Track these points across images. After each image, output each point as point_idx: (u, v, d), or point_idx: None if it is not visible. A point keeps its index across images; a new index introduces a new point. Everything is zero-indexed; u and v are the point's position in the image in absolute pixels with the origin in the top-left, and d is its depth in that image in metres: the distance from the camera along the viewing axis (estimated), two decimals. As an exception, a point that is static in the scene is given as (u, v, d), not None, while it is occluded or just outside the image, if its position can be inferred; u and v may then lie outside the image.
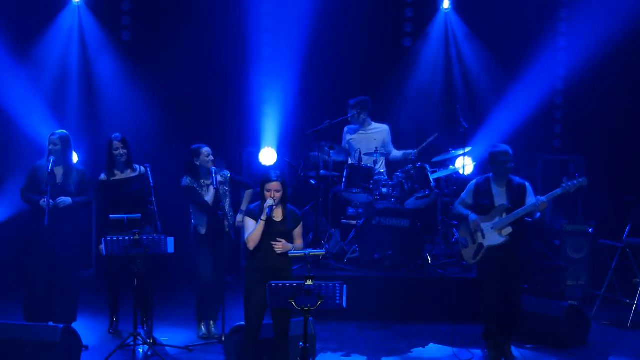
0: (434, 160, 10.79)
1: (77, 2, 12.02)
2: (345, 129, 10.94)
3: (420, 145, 10.63)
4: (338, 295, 6.73)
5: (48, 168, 8.72)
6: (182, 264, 9.36)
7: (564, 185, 8.13)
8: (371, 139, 10.73)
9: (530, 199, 8.18)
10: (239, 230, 9.21)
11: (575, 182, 8.11)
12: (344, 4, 12.03)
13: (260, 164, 11.90)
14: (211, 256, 8.97)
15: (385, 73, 12.33)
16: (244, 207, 9.05)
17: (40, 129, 10.53)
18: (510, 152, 8.22)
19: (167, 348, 8.59)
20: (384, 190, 10.36)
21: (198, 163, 8.94)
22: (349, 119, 10.70)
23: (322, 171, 10.71)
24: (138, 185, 9.02)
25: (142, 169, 9.07)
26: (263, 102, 12.13)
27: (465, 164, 10.84)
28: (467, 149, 10.68)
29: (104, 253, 8.27)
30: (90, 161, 11.51)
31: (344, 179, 10.40)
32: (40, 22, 11.84)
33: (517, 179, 8.29)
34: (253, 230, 7.26)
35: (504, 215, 8.18)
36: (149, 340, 8.51)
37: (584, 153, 12.16)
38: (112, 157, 9.05)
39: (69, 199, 8.71)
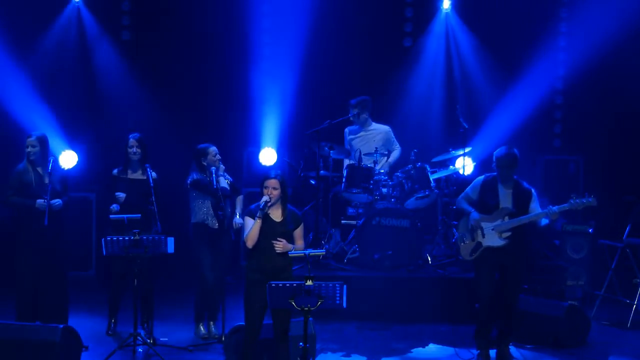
0: (434, 160, 10.79)
1: (77, 2, 12.03)
2: (346, 129, 10.93)
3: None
4: (338, 295, 6.73)
5: (48, 169, 8.70)
6: (182, 264, 9.36)
7: (571, 201, 8.08)
8: (371, 139, 10.73)
9: (535, 205, 8.15)
10: (238, 230, 9.20)
11: (583, 200, 8.05)
12: (344, 4, 12.04)
13: (260, 164, 11.90)
14: (212, 256, 8.96)
15: (385, 73, 12.33)
16: (238, 210, 9.06)
17: (40, 129, 10.51)
18: (515, 154, 8.18)
19: (167, 348, 8.59)
20: (384, 190, 10.36)
21: (205, 163, 8.95)
22: (350, 118, 10.70)
23: (322, 171, 10.71)
24: (146, 188, 8.99)
25: (154, 174, 9.05)
26: (263, 102, 12.13)
27: (465, 164, 10.84)
28: (467, 149, 10.68)
29: (104, 253, 8.27)
30: (91, 160, 11.55)
31: (344, 179, 10.40)
32: (40, 22, 11.85)
33: (524, 184, 8.26)
34: (250, 229, 7.27)
35: (507, 218, 8.16)
36: (149, 341, 8.51)
37: (584, 153, 12.15)
38: (126, 154, 9.07)
39: (59, 201, 8.70)
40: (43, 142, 8.80)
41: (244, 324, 7.44)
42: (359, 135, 10.80)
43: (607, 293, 10.31)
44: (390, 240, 10.11)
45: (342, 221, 10.90)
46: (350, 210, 10.85)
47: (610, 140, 12.16)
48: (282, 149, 12.02)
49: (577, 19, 12.00)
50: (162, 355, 8.27)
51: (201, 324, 9.09)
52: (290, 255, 7.19)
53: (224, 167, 8.99)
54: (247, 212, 7.42)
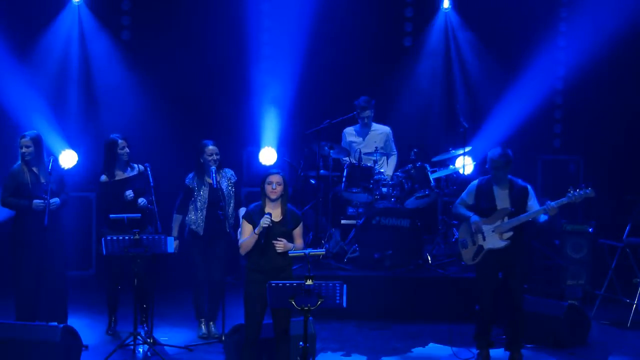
0: (434, 160, 10.79)
1: (77, 2, 12.03)
2: (346, 129, 10.92)
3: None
4: (338, 295, 6.73)
5: (48, 168, 8.70)
6: (182, 263, 9.36)
7: (569, 194, 8.07)
8: (372, 139, 10.72)
9: (533, 202, 8.14)
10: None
11: (581, 192, 8.04)
12: (344, 4, 12.03)
13: (260, 163, 11.90)
14: (206, 255, 8.97)
15: (385, 73, 12.34)
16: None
17: (40, 129, 10.51)
18: (509, 155, 8.16)
19: (167, 348, 8.59)
20: (384, 189, 10.35)
21: (202, 160, 8.95)
22: (356, 116, 10.64)
23: (322, 171, 10.70)
24: (140, 183, 9.00)
25: (141, 167, 9.06)
26: (263, 102, 12.13)
27: (465, 164, 10.84)
28: (467, 149, 10.68)
29: (104, 252, 8.27)
30: (90, 161, 11.54)
31: (344, 179, 10.40)
32: (40, 22, 11.85)
33: (519, 182, 8.25)
34: (247, 239, 7.26)
35: (506, 219, 8.14)
36: (149, 340, 8.50)
37: (584, 153, 12.16)
38: (114, 156, 9.00)
39: (57, 199, 8.69)
40: (37, 141, 8.74)
41: (244, 323, 7.43)
42: (360, 135, 10.79)
43: (607, 293, 10.31)
44: (390, 240, 10.11)
45: (342, 221, 10.89)
46: (350, 210, 10.85)
47: (610, 140, 12.16)
48: (282, 149, 12.02)
49: (577, 18, 12.00)
50: (162, 355, 8.28)
51: (201, 323, 9.09)
52: (290, 255, 7.19)
53: (214, 168, 8.93)
54: (245, 214, 7.40)
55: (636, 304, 9.78)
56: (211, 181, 8.88)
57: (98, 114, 12.06)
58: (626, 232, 10.32)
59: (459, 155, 10.73)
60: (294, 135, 11.96)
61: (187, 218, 9.02)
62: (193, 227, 8.97)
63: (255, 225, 7.27)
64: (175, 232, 8.95)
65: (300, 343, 6.85)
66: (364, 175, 10.32)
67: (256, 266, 7.27)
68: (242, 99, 12.18)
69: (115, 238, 8.19)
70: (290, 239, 7.33)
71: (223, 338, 8.54)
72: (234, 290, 9.68)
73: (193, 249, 8.99)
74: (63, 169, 9.86)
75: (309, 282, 6.63)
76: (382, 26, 12.31)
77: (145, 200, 8.86)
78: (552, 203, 8.04)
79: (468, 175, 10.95)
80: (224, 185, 8.95)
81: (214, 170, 8.85)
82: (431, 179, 10.37)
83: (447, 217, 10.85)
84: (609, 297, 10.32)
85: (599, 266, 10.65)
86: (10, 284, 8.90)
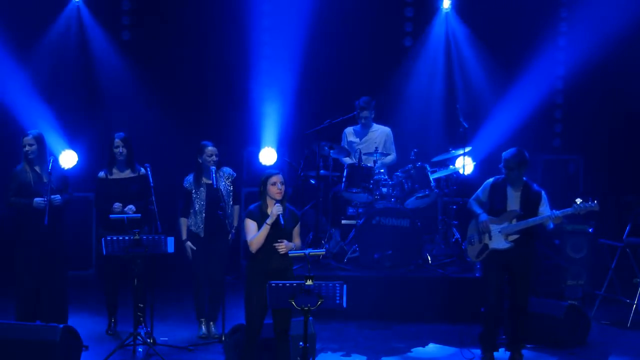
0: (434, 160, 10.79)
1: (77, 2, 12.03)
2: (346, 129, 10.92)
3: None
4: (338, 295, 6.73)
5: (48, 168, 8.70)
6: (182, 264, 9.36)
7: (575, 205, 8.05)
8: (371, 139, 10.72)
9: (544, 208, 8.11)
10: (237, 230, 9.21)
11: (587, 205, 8.02)
12: (344, 4, 12.03)
13: (260, 164, 11.90)
14: (206, 255, 8.97)
15: (385, 73, 12.33)
16: (235, 223, 9.04)
17: (40, 129, 10.52)
18: (524, 156, 8.13)
19: (167, 348, 8.58)
20: (384, 190, 10.36)
21: (201, 161, 8.95)
22: (356, 115, 10.65)
23: (322, 171, 10.70)
24: (136, 186, 9.02)
25: (143, 170, 9.06)
26: (263, 102, 12.13)
27: (465, 164, 10.84)
28: (467, 149, 10.68)
29: (104, 253, 8.27)
30: (91, 160, 11.55)
31: (344, 179, 10.40)
32: (40, 21, 11.85)
33: (535, 186, 8.21)
34: (257, 234, 7.22)
35: (514, 221, 8.13)
36: (149, 340, 8.50)
37: (584, 153, 12.15)
38: (112, 155, 9.05)
39: (59, 197, 8.69)
40: (40, 140, 8.76)
41: (244, 323, 7.43)
42: (360, 135, 10.79)
43: (607, 293, 10.31)
44: (390, 240, 10.11)
45: (342, 221, 10.89)
46: (350, 210, 10.84)
47: (610, 140, 12.16)
48: (282, 149, 12.02)
49: (577, 19, 12.00)
50: (162, 355, 8.27)
51: (201, 323, 9.09)
52: (290, 255, 7.19)
53: (214, 168, 8.93)
54: (247, 213, 7.38)
55: (636, 304, 9.78)
56: (210, 181, 8.88)
57: (98, 114, 12.06)
58: (626, 232, 10.31)
59: (459, 155, 10.72)
60: (294, 135, 11.96)
61: (188, 220, 9.02)
62: (193, 228, 8.98)
63: (258, 221, 7.25)
64: (184, 235, 8.97)
65: (300, 343, 6.86)
66: (364, 175, 10.32)
67: (258, 267, 7.27)
68: (242, 99, 12.18)
69: (115, 238, 8.19)
70: (290, 239, 7.34)
71: (223, 338, 8.54)
72: (234, 290, 9.69)
73: (195, 249, 8.98)
74: (63, 169, 9.85)
75: (309, 282, 6.63)
76: (382, 26, 12.31)
77: (133, 207, 8.84)
78: (558, 212, 8.02)
79: (468, 175, 10.96)
80: (221, 185, 8.95)
81: (213, 170, 8.86)
82: (431, 179, 10.37)
83: (447, 217, 10.85)
84: (609, 297, 10.32)
85: (599, 266, 10.65)
86: (10, 284, 8.90)
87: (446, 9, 12.43)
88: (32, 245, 8.64)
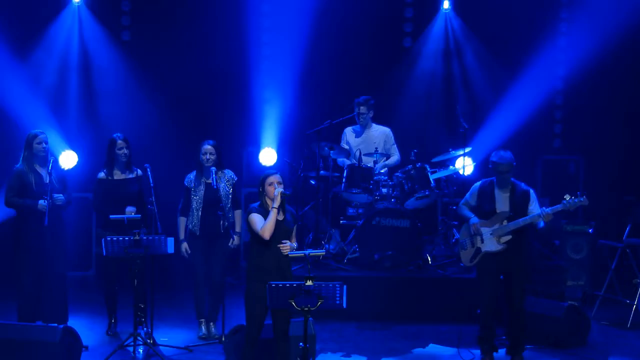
0: (434, 160, 10.78)
1: (77, 2, 12.03)
2: (346, 129, 10.92)
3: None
4: (338, 295, 6.73)
5: (49, 168, 8.71)
6: (182, 264, 9.37)
7: (564, 202, 8.03)
8: (370, 140, 10.72)
9: (534, 207, 8.10)
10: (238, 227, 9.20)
11: (576, 200, 8.00)
12: (344, 4, 12.04)
13: (260, 164, 11.90)
14: (206, 255, 8.97)
15: (385, 73, 12.34)
16: (237, 228, 9.03)
17: (40, 129, 10.53)
18: (512, 160, 8.10)
19: (167, 348, 8.59)
20: (384, 190, 10.36)
21: (200, 160, 8.96)
22: (355, 116, 10.66)
23: (322, 171, 10.70)
24: (136, 187, 9.03)
25: (139, 171, 9.06)
26: (263, 102, 12.14)
27: (465, 164, 10.84)
28: (467, 149, 10.67)
29: (104, 253, 8.27)
30: (90, 161, 11.54)
31: (344, 179, 10.40)
32: (41, 22, 11.85)
33: (522, 186, 8.21)
34: (267, 220, 7.16)
35: (505, 222, 8.12)
36: (148, 341, 8.50)
37: (584, 153, 12.16)
38: (114, 156, 9.04)
39: (61, 195, 8.70)
40: (48, 140, 8.84)
41: (244, 324, 7.43)
42: (360, 135, 10.79)
43: (607, 293, 10.31)
44: (390, 241, 10.11)
45: (342, 221, 10.89)
46: (350, 211, 10.84)
47: (610, 140, 12.15)
48: (282, 149, 12.02)
49: (577, 19, 12.00)
50: (162, 356, 8.28)
51: (202, 321, 9.09)
52: (290, 255, 7.19)
53: (214, 168, 8.93)
54: (249, 210, 7.36)
55: (636, 305, 9.78)
56: (210, 181, 8.89)
57: (98, 115, 12.07)
58: (626, 232, 10.32)
59: (459, 155, 10.72)
60: (294, 135, 11.96)
61: (187, 219, 9.03)
62: (190, 226, 8.99)
63: (262, 214, 7.23)
64: (182, 235, 8.96)
65: (300, 344, 6.86)
66: (364, 175, 10.32)
67: (258, 266, 7.27)
68: (242, 99, 12.18)
69: (115, 239, 8.19)
70: (291, 239, 7.34)
71: (223, 338, 8.54)
72: (234, 291, 9.69)
73: (193, 249, 9.00)
74: (63, 169, 9.85)
75: (309, 282, 6.63)
76: (382, 26, 12.31)
77: (134, 209, 8.84)
78: (548, 210, 8.01)
79: (468, 175, 10.95)
80: (221, 185, 8.96)
81: (213, 170, 8.87)
82: (431, 179, 10.37)
83: (447, 217, 10.85)
84: (609, 297, 10.32)
85: (599, 267, 10.66)
86: (11, 285, 8.90)
87: (446, 9, 12.43)
88: (32, 246, 8.64)
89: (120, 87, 12.10)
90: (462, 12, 12.40)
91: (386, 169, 10.60)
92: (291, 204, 7.59)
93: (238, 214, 9.07)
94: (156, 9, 12.18)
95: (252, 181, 11.44)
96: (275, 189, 7.19)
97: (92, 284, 11.20)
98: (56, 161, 9.08)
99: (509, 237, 8.12)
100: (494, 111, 12.05)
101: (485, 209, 8.21)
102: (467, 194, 8.43)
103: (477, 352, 8.47)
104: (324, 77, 12.08)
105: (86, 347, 8.29)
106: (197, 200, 8.97)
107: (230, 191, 9.03)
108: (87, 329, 8.93)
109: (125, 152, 9.04)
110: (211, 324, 9.10)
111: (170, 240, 8.36)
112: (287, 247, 7.19)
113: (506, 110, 11.95)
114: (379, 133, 10.78)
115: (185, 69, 12.06)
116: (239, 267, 11.35)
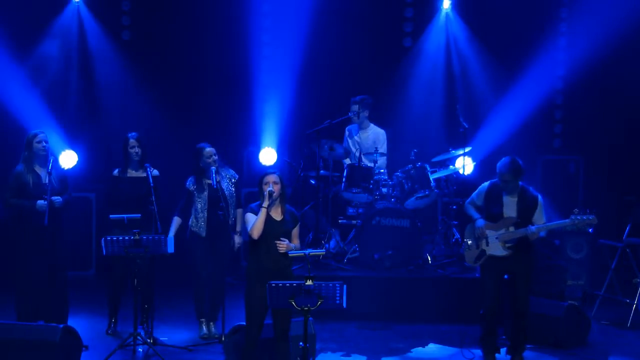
0: (434, 160, 10.78)
1: (77, 2, 12.03)
2: (347, 129, 10.93)
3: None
4: (338, 295, 6.73)
5: (49, 168, 8.71)
6: (182, 264, 9.37)
7: (572, 217, 7.95)
8: (364, 140, 10.72)
9: (537, 215, 8.00)
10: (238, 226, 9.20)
11: (585, 217, 7.92)
12: (344, 4, 12.04)
13: (260, 164, 11.90)
14: (208, 255, 8.97)
15: (385, 73, 12.34)
16: (238, 227, 9.03)
17: (40, 129, 10.53)
18: (519, 165, 8.02)
19: (167, 348, 8.58)
20: (384, 190, 10.36)
21: (202, 164, 8.95)
22: (350, 115, 10.67)
23: (322, 171, 10.70)
24: (147, 187, 9.00)
25: (155, 171, 9.08)
26: (263, 102, 12.14)
27: (465, 164, 10.84)
28: (467, 149, 10.68)
29: (104, 253, 8.27)
30: (90, 161, 11.55)
31: (344, 179, 10.40)
32: (41, 21, 11.85)
33: (531, 191, 8.12)
34: (256, 219, 7.21)
35: (512, 228, 8.05)
36: (149, 340, 8.50)
37: (584, 153, 12.16)
38: (127, 155, 9.08)
39: (60, 198, 8.70)
40: (48, 140, 8.85)
41: (244, 324, 7.43)
42: (358, 134, 10.80)
43: (607, 293, 10.31)
44: (390, 240, 10.11)
45: (342, 221, 10.89)
46: (351, 210, 10.84)
47: (610, 140, 12.16)
48: (282, 149, 12.03)
49: (577, 19, 12.01)
50: (162, 355, 8.27)
51: (202, 321, 9.09)
52: (290, 255, 7.19)
53: (214, 168, 8.92)
54: (247, 209, 7.39)
55: (636, 304, 9.78)
56: (210, 182, 8.89)
57: (98, 114, 12.08)
58: (626, 232, 10.31)
59: (459, 155, 10.72)
60: (294, 135, 11.96)
61: (190, 220, 9.02)
62: (194, 229, 8.98)
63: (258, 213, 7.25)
64: (172, 233, 8.94)
65: (300, 343, 6.86)
66: (363, 175, 10.32)
67: (258, 266, 7.27)
68: (242, 99, 12.18)
69: (115, 238, 8.19)
70: (290, 239, 7.34)
71: (223, 338, 8.54)
72: (234, 290, 9.69)
73: (195, 249, 8.99)
74: (63, 169, 9.85)
75: (309, 282, 6.63)
76: (382, 26, 12.32)
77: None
78: (533, 228, 7.89)
79: (468, 175, 10.95)
80: (224, 185, 8.96)
81: (213, 170, 8.86)
82: (431, 179, 10.37)
83: (447, 217, 10.85)
84: (609, 297, 10.32)
85: (599, 266, 10.65)
86: (10, 284, 8.90)
87: (446, 9, 12.44)
88: (32, 246, 8.64)
89: (120, 87, 12.11)
90: (462, 12, 12.41)
91: (385, 168, 10.59)
92: (291, 203, 7.58)
93: (239, 213, 9.07)
94: (156, 8, 12.18)
95: (252, 181, 11.41)
96: (269, 189, 7.20)
97: (92, 284, 11.20)
98: (56, 161, 9.08)
99: (512, 243, 8.07)
100: (494, 111, 12.06)
101: (492, 211, 8.13)
102: (474, 193, 8.36)
103: (478, 351, 8.47)
104: (324, 76, 12.08)
105: (86, 347, 8.29)
106: (201, 202, 8.96)
107: (234, 189, 9.04)
108: (87, 329, 8.93)
109: (137, 150, 9.08)
110: (211, 323, 9.10)
111: (170, 240, 8.36)
112: (284, 245, 7.19)
113: (506, 110, 11.95)
114: (371, 134, 10.77)
115: (185, 69, 12.07)
116: (239, 267, 11.35)
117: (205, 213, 8.94)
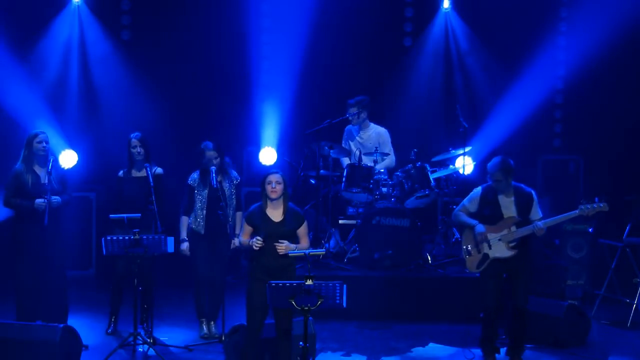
0: (434, 159, 10.79)
1: (77, 2, 12.04)
2: (346, 128, 10.94)
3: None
4: (338, 295, 6.73)
5: (48, 168, 8.72)
6: (183, 263, 9.37)
7: (581, 207, 7.97)
8: (365, 139, 10.72)
9: (533, 211, 8.00)
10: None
11: (595, 205, 7.93)
12: (344, 4, 12.04)
13: (260, 163, 11.91)
14: (207, 255, 8.97)
15: (385, 73, 12.34)
16: (237, 230, 9.02)
17: (40, 129, 10.53)
18: (508, 165, 7.99)
19: (167, 348, 8.59)
20: (384, 189, 10.36)
21: (204, 162, 8.97)
22: (349, 118, 10.68)
23: (322, 171, 10.70)
24: (147, 186, 9.01)
25: (159, 170, 9.10)
26: (263, 102, 12.14)
27: (465, 164, 10.84)
28: (467, 149, 10.68)
29: (104, 252, 8.28)
30: (90, 161, 11.55)
31: (344, 179, 10.40)
32: (41, 21, 11.86)
33: (524, 188, 8.11)
34: (246, 242, 7.41)
35: (514, 228, 8.03)
36: (149, 340, 8.50)
37: (584, 153, 12.15)
38: (130, 155, 9.11)
39: (58, 198, 8.70)
40: (48, 140, 8.85)
41: (244, 323, 7.44)
42: (358, 135, 10.80)
43: (607, 293, 10.31)
44: (390, 240, 10.11)
45: (342, 221, 10.89)
46: (351, 210, 10.85)
47: (610, 140, 12.15)
48: (282, 149, 12.03)
49: (577, 18, 12.01)
50: (162, 355, 8.27)
51: (202, 320, 9.09)
52: (290, 255, 7.19)
53: (214, 168, 8.93)
54: (246, 215, 7.44)
55: (636, 304, 9.78)
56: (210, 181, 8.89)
57: (98, 114, 12.09)
58: (626, 232, 10.31)
59: (459, 155, 10.73)
60: (294, 135, 11.96)
61: (190, 218, 9.02)
62: (194, 226, 8.99)
63: (255, 227, 7.34)
64: (184, 234, 8.96)
65: (300, 343, 6.86)
66: (363, 175, 10.32)
67: (259, 266, 7.28)
68: (242, 99, 12.19)
69: (115, 238, 8.20)
70: (294, 239, 7.34)
71: (223, 338, 8.54)
72: (234, 290, 9.69)
73: (194, 248, 9.00)
74: (63, 169, 9.86)
75: (309, 282, 6.63)
76: (382, 26, 12.32)
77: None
78: (540, 223, 7.91)
79: (468, 175, 10.95)
80: (226, 186, 8.97)
81: (213, 170, 8.87)
82: (431, 178, 10.37)
83: (447, 217, 10.84)
84: (609, 297, 10.32)
85: (599, 266, 10.65)
86: (10, 284, 8.90)
87: (446, 8, 12.44)
88: (32, 246, 8.64)
89: (120, 87, 12.11)
90: (462, 12, 12.40)
91: (384, 169, 10.60)
92: (292, 203, 7.59)
93: (239, 215, 9.06)
94: (156, 8, 12.19)
95: (252, 181, 11.44)
96: (255, 244, 7.29)
97: (92, 284, 11.20)
98: (56, 160, 9.09)
99: (517, 243, 8.06)
100: (494, 110, 12.06)
101: (490, 214, 8.08)
102: (465, 200, 8.29)
103: (478, 351, 8.46)
104: (324, 76, 12.08)
105: (86, 347, 8.29)
106: (201, 200, 8.97)
107: (234, 191, 9.05)
108: (87, 329, 8.92)
109: (139, 150, 9.09)
110: (212, 323, 9.10)
111: (170, 240, 8.36)
112: (283, 247, 7.20)
113: (506, 110, 11.96)
114: (373, 133, 10.77)
115: (185, 69, 12.07)
116: (239, 266, 11.35)
117: (205, 211, 8.95)
